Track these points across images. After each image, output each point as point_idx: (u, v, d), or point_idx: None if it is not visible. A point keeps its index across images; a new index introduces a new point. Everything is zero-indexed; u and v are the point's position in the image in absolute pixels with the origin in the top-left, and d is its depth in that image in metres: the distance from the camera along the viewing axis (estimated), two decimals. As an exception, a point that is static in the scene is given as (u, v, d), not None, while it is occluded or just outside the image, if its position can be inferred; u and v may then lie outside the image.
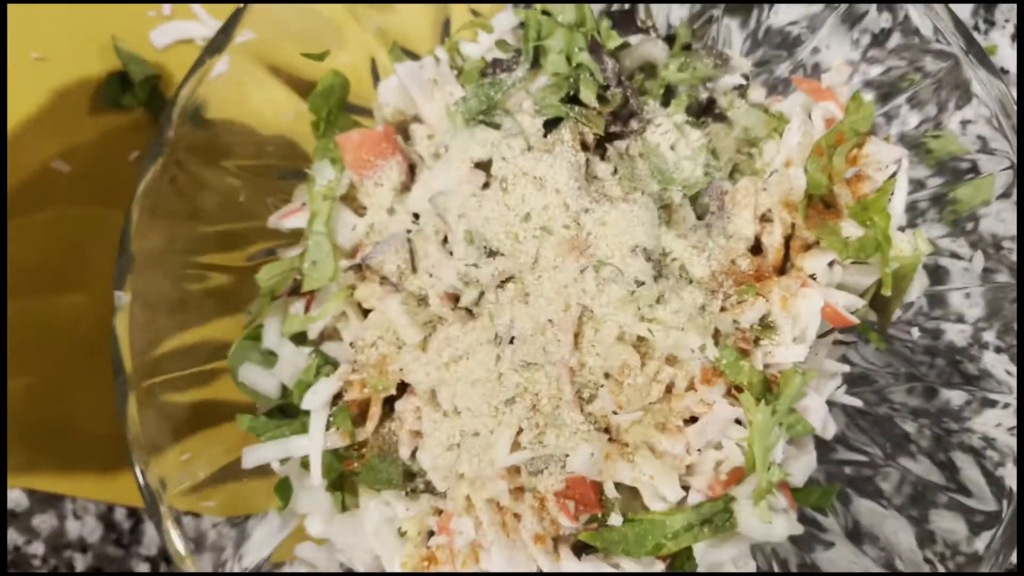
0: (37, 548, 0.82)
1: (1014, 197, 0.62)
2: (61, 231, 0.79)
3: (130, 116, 0.81)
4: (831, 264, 0.62)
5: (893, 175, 0.61)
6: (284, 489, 0.62)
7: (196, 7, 0.82)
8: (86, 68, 0.80)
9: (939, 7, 0.57)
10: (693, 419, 0.60)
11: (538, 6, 0.63)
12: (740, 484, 0.60)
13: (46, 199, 0.79)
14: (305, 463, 0.62)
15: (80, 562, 0.82)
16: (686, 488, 0.61)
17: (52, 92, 0.80)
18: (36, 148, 0.79)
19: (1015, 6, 0.82)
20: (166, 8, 0.82)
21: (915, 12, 0.60)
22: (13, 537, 0.82)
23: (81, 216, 0.80)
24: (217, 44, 0.56)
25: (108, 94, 0.80)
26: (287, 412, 0.62)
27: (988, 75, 0.57)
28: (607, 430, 0.59)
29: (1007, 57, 0.82)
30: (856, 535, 0.69)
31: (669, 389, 0.60)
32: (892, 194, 0.60)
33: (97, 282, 0.79)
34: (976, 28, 0.82)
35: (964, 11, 0.82)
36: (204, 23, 0.81)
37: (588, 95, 0.61)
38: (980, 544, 0.60)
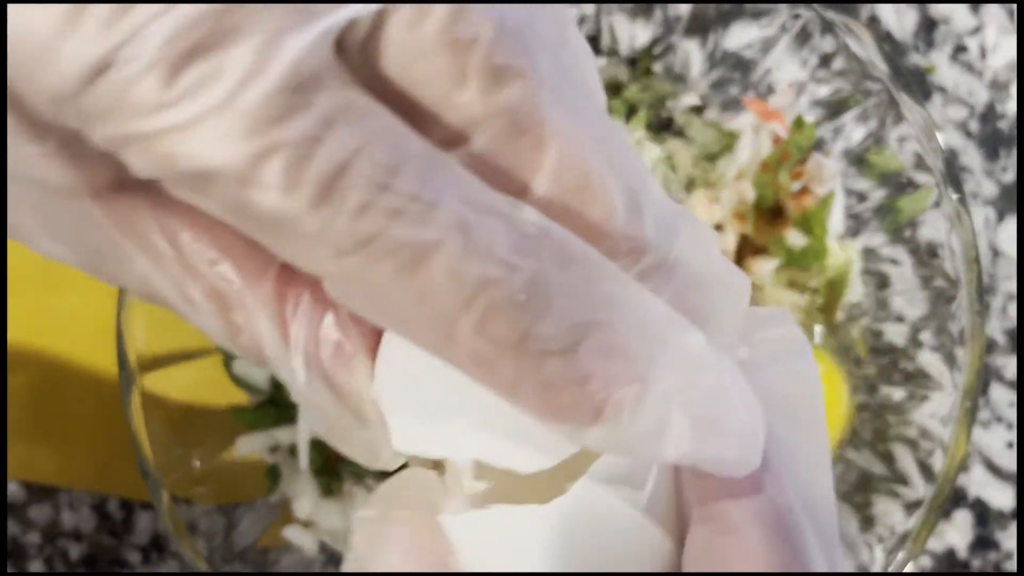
0: (33, 538, 0.86)
1: (943, 208, 0.68)
2: (59, 236, 0.84)
3: (124, 127, 0.86)
4: (777, 268, 0.68)
5: (832, 189, 0.68)
6: (274, 475, 0.67)
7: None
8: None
9: (867, 38, 0.63)
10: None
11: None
12: None
13: (45, 205, 0.84)
14: (293, 451, 0.66)
15: (75, 550, 0.86)
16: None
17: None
18: (35, 157, 0.84)
19: (952, 28, 0.89)
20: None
21: (851, 40, 0.66)
22: (11, 528, 0.86)
23: (77, 221, 0.84)
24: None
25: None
26: (277, 404, 0.67)
27: (912, 103, 0.63)
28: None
29: (945, 76, 0.89)
30: (804, 520, 0.74)
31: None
32: (831, 207, 0.66)
33: (90, 284, 0.83)
34: (916, 48, 0.88)
35: (906, 32, 0.88)
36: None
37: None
38: (910, 523, 0.66)
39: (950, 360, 0.70)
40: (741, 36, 0.76)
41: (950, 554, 0.89)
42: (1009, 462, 0.89)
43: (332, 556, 0.72)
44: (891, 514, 0.70)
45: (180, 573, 0.86)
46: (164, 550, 0.86)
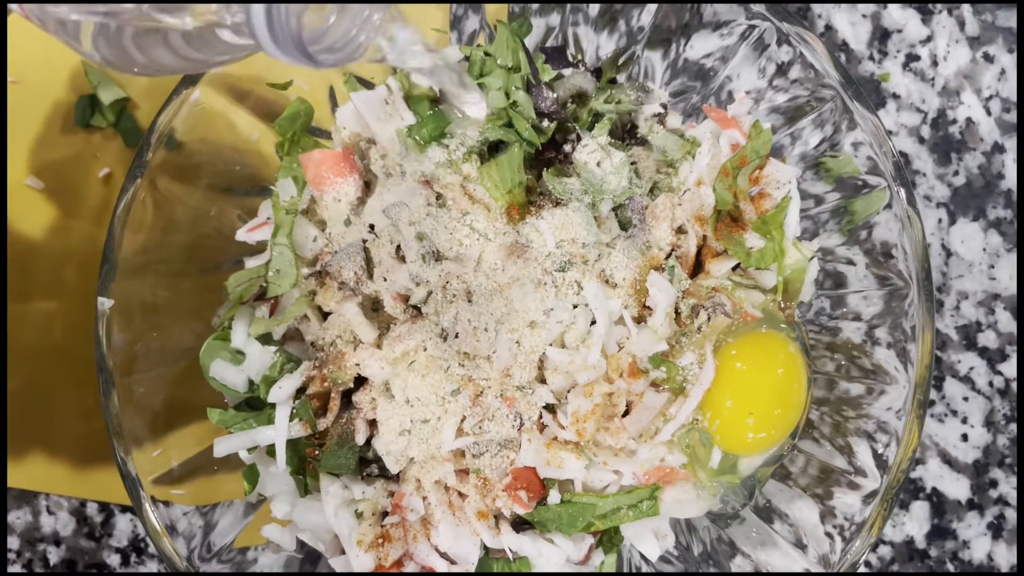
0: (12, 543, 0.87)
1: (894, 208, 0.71)
2: (35, 243, 0.84)
3: (99, 136, 0.86)
4: (735, 268, 0.71)
5: (789, 193, 0.70)
6: (252, 475, 0.68)
7: (162, 34, 0.87)
8: (58, 91, 0.86)
9: (820, 49, 0.66)
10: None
11: (480, 46, 0.70)
12: (672, 486, 0.68)
13: (21, 214, 0.85)
14: (271, 451, 0.68)
15: (54, 555, 0.87)
16: (618, 472, 0.69)
17: (26, 114, 0.85)
18: (11, 166, 0.85)
19: (905, 37, 0.92)
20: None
21: (806, 50, 0.69)
22: (-12, 533, 0.87)
23: (54, 229, 0.85)
24: (192, 77, 0.62)
25: (79, 115, 0.86)
26: (254, 405, 0.68)
27: (864, 110, 0.66)
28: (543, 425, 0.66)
29: (899, 84, 0.92)
30: (767, 512, 0.77)
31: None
32: (787, 210, 0.69)
33: (69, 289, 0.84)
34: (871, 57, 0.92)
35: (860, 42, 0.91)
36: (170, 50, 0.87)
37: (521, 128, 0.69)
38: (867, 512, 0.69)
39: (903, 355, 0.73)
40: (701, 46, 0.78)
41: (909, 543, 0.92)
42: (963, 454, 0.93)
43: (310, 554, 0.73)
44: (851, 505, 0.72)
45: (159, 574, 0.87)
46: (143, 552, 0.87)
